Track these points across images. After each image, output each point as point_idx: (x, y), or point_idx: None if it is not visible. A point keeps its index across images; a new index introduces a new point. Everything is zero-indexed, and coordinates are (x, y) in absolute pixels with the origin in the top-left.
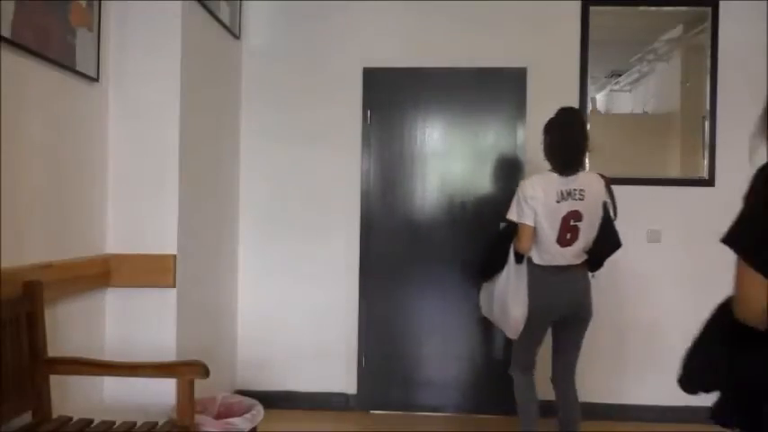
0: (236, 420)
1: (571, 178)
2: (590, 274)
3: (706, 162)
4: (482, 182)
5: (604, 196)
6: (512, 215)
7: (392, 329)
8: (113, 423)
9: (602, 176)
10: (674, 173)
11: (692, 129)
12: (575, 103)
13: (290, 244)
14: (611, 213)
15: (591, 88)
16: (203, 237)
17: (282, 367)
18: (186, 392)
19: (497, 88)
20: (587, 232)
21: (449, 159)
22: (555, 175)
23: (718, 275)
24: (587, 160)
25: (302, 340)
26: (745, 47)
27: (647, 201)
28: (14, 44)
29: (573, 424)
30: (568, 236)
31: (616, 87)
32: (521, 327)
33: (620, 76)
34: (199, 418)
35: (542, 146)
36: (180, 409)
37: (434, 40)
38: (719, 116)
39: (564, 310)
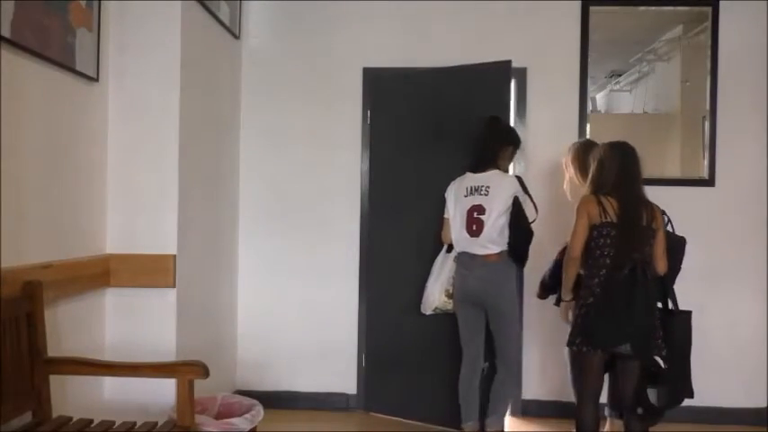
0: (236, 420)
1: (480, 176)
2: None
3: (706, 162)
4: None
5: (516, 193)
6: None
7: (392, 329)
8: (113, 423)
9: (518, 177)
10: (674, 173)
11: (692, 129)
12: (574, 103)
13: (289, 244)
14: (531, 209)
15: (591, 88)
16: (203, 237)
17: (282, 367)
18: (186, 392)
19: None
20: (492, 225)
21: (449, 159)
22: (469, 174)
23: (718, 274)
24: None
25: (302, 340)
26: (745, 47)
27: None
28: (14, 44)
29: (491, 406)
30: (474, 227)
31: (616, 87)
32: (429, 306)
33: (620, 76)
34: (199, 418)
35: None
36: (180, 409)
37: (434, 39)
38: (719, 116)
39: (473, 294)
